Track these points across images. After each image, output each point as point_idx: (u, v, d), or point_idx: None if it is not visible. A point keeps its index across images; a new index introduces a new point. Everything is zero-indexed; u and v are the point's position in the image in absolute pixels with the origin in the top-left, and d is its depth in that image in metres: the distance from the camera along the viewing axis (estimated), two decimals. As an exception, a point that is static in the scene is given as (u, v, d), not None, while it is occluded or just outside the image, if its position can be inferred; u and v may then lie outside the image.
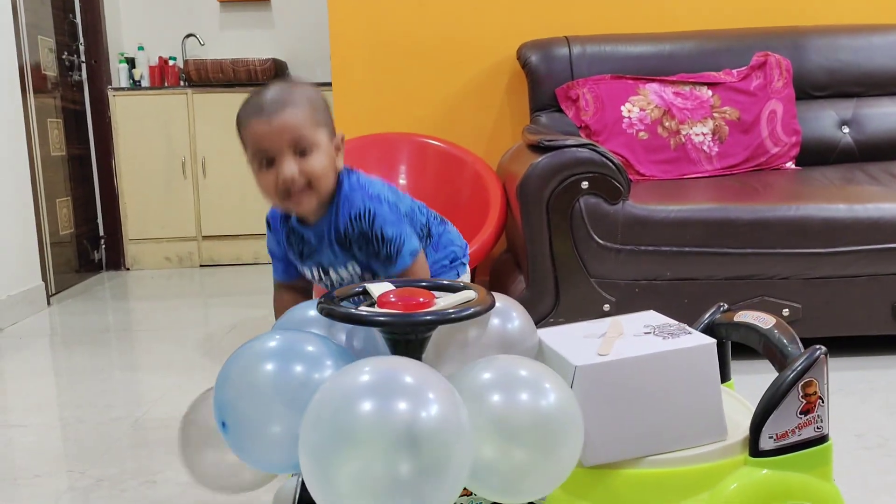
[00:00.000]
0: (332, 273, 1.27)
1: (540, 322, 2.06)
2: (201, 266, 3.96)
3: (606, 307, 2.02)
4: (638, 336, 1.02)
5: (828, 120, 2.56)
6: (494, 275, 2.56)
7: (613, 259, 2.00)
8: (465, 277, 1.37)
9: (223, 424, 0.87)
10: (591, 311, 2.01)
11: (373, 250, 1.22)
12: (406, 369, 0.81)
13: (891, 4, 2.74)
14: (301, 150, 1.16)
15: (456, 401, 0.81)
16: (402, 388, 0.78)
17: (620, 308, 1.99)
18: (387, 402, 0.76)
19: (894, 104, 2.56)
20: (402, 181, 2.62)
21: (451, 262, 1.37)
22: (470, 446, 0.80)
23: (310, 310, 1.04)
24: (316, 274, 1.29)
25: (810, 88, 2.57)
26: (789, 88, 2.51)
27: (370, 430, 0.75)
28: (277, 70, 3.90)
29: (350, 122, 2.74)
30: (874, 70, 2.57)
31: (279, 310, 1.34)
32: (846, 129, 2.55)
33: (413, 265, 1.24)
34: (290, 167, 1.15)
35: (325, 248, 1.25)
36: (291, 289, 1.36)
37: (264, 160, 1.17)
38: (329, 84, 2.80)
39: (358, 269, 1.25)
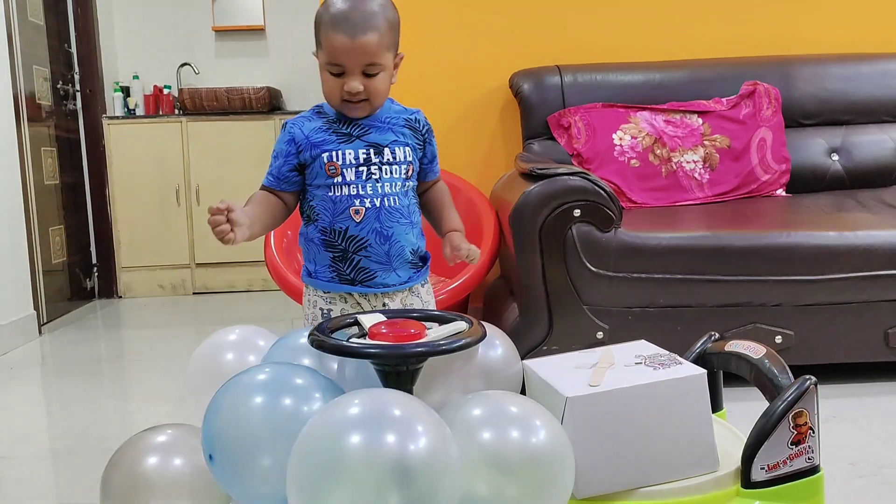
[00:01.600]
0: (386, 152, 1.32)
1: (533, 350, 2.05)
2: (195, 294, 3.95)
3: (600, 335, 2.02)
4: (629, 366, 1.02)
5: (817, 148, 2.58)
6: (488, 302, 2.56)
7: (606, 286, 2.01)
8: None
9: (210, 457, 0.86)
10: (585, 339, 2.01)
11: (430, 148, 1.40)
12: (395, 402, 0.81)
13: (877, 34, 2.78)
14: (369, 73, 1.28)
15: (445, 433, 0.80)
16: (390, 421, 0.77)
17: (614, 335, 1.99)
18: (375, 434, 0.76)
19: (882, 132, 2.59)
20: (395, 209, 2.63)
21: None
22: (459, 478, 0.80)
23: (301, 339, 1.04)
24: (362, 155, 1.31)
25: (799, 116, 2.60)
26: (778, 116, 2.54)
27: (359, 462, 0.74)
28: (272, 98, 3.92)
29: (344, 151, 2.75)
30: (862, 98, 2.61)
31: (252, 199, 1.35)
32: (835, 157, 2.58)
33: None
34: (356, 84, 1.28)
35: (386, 129, 1.34)
36: (274, 194, 1.36)
37: (336, 71, 1.29)
38: (323, 113, 2.82)
39: (410, 156, 1.34)
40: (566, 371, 1.03)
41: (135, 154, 3.89)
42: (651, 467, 0.95)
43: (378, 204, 1.31)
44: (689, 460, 0.96)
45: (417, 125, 1.37)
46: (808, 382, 0.94)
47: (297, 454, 0.78)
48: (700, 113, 2.53)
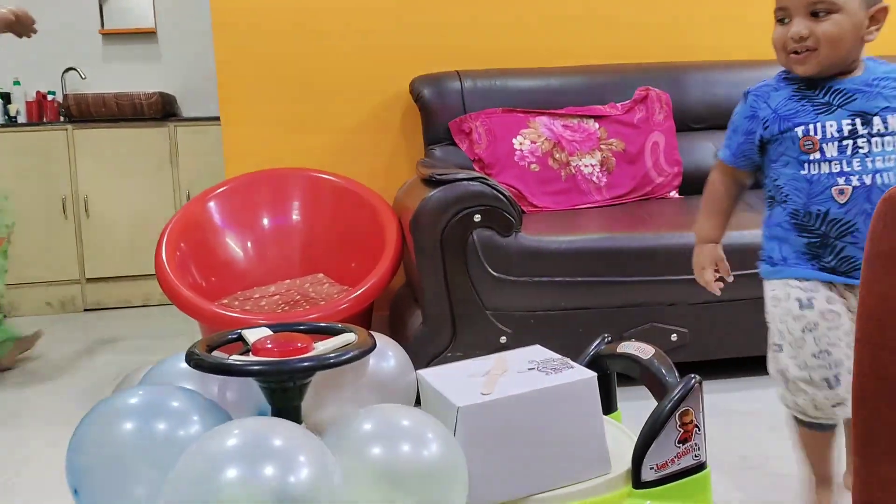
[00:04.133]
0: (876, 121, 1.17)
1: (438, 356, 2.04)
2: (86, 310, 3.75)
3: (503, 339, 2.03)
4: (522, 372, 1.01)
5: (706, 151, 2.67)
6: (394, 310, 2.53)
7: (508, 291, 2.01)
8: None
9: (75, 491, 0.80)
10: (488, 344, 2.01)
11: None
12: (275, 431, 0.77)
13: (760, 42, 2.90)
14: (816, 12, 1.16)
15: (328, 462, 0.77)
16: (270, 452, 0.74)
17: (517, 340, 2.00)
18: (254, 467, 0.72)
19: (765, 135, 2.71)
20: (295, 217, 2.57)
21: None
22: None
23: (181, 362, 0.99)
24: (847, 127, 1.18)
25: (689, 120, 2.69)
26: (670, 121, 2.62)
27: (236, 498, 0.70)
28: (165, 104, 3.77)
29: (240, 158, 2.67)
30: (747, 103, 2.72)
31: (713, 194, 1.34)
32: (723, 159, 2.68)
33: None
34: (799, 26, 1.16)
35: (875, 94, 1.18)
36: (731, 175, 1.33)
37: (781, 17, 1.20)
38: (218, 119, 2.72)
39: None
40: (459, 380, 1.01)
41: (17, 164, 3.65)
42: (545, 473, 0.95)
43: (869, 182, 1.16)
44: (583, 463, 0.96)
45: None
46: (693, 381, 0.96)
47: (170, 490, 0.73)
48: (596, 118, 2.58)
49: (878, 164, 1.16)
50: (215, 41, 2.66)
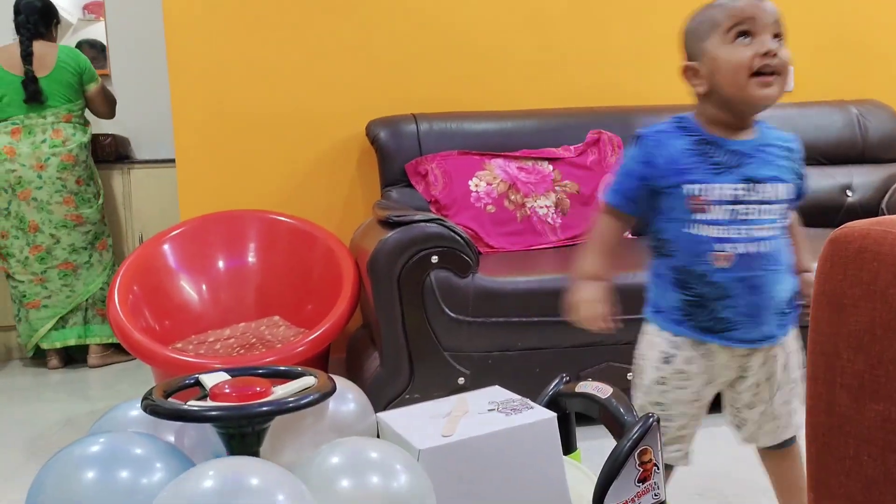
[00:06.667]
0: (762, 189, 1.17)
1: (396, 399, 2.03)
2: (31, 357, 3.63)
3: (461, 380, 2.03)
4: (482, 413, 1.01)
5: (657, 192, 2.74)
6: (350, 352, 2.52)
7: (466, 331, 2.02)
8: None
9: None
10: (446, 386, 2.00)
11: (802, 183, 1.25)
12: (252, 471, 0.75)
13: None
14: (778, 35, 1.15)
15: (307, 500, 0.76)
16: (248, 492, 0.72)
17: (475, 380, 2.00)
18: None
19: (713, 177, 2.80)
20: (251, 259, 2.55)
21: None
22: None
23: (133, 409, 0.96)
24: (735, 192, 1.16)
25: (640, 163, 2.76)
26: (621, 163, 2.68)
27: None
28: (118, 146, 3.73)
29: (195, 200, 2.65)
30: (694, 146, 2.81)
31: (602, 236, 1.28)
32: (674, 200, 2.75)
33: None
34: (773, 42, 1.13)
35: (763, 159, 1.19)
36: (619, 218, 1.26)
37: (742, 33, 1.13)
38: (172, 161, 2.71)
39: (788, 193, 1.21)
40: (420, 422, 1.01)
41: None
42: (507, 515, 0.95)
43: (752, 250, 1.16)
44: (544, 505, 0.97)
45: (793, 155, 1.23)
46: (651, 419, 0.97)
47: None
48: (550, 160, 2.63)
49: (760, 233, 1.16)
50: (171, 83, 2.65)
